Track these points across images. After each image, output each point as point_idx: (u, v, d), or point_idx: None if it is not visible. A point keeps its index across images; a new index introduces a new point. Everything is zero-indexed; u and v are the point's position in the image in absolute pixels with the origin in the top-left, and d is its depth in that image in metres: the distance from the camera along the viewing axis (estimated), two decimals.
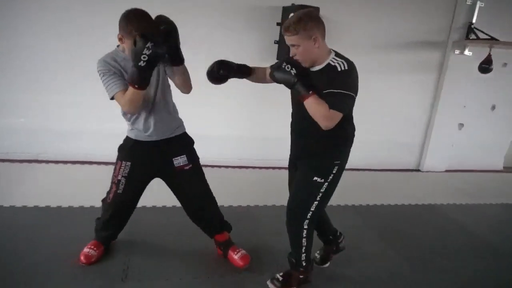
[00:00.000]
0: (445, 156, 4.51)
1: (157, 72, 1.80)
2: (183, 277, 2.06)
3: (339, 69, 1.63)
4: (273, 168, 3.82)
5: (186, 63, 1.82)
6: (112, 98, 1.77)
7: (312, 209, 1.84)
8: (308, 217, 1.85)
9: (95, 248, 2.09)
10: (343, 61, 1.66)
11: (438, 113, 4.29)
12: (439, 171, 4.51)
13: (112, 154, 2.07)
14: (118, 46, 1.80)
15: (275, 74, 1.68)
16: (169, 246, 2.31)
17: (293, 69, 1.62)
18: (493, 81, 4.40)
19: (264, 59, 3.65)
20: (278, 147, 2.86)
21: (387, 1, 3.85)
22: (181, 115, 2.09)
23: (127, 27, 1.64)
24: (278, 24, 3.55)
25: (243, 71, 1.93)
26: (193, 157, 2.03)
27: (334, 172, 1.80)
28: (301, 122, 1.81)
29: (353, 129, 1.87)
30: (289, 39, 1.65)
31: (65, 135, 3.55)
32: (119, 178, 1.96)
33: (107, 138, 3.31)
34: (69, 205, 2.69)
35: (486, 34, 3.88)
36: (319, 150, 1.81)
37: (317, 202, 1.83)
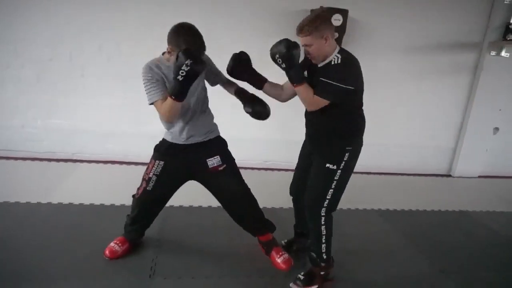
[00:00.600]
0: (478, 161, 4.34)
1: (197, 83, 1.87)
2: (209, 275, 2.09)
3: (332, 63, 1.78)
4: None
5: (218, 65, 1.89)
6: (151, 104, 1.85)
7: (328, 197, 1.90)
8: (325, 205, 1.91)
9: (120, 244, 2.17)
10: (339, 56, 1.78)
11: (472, 116, 4.13)
12: (472, 176, 4.35)
13: (143, 155, 2.14)
14: (163, 53, 1.89)
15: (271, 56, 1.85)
16: (197, 245, 2.36)
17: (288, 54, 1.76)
18: None
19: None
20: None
21: (418, 2, 3.76)
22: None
23: (175, 41, 1.74)
24: None
25: (258, 76, 2.04)
26: (227, 158, 2.06)
27: (345, 159, 1.88)
28: (313, 115, 1.94)
29: (362, 119, 1.98)
30: (303, 40, 1.78)
31: (101, 136, 3.71)
32: (150, 175, 2.02)
33: (141, 140, 3.50)
34: (101, 203, 2.80)
35: None
36: (329, 139, 1.92)
37: (332, 190, 1.89)
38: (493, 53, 3.96)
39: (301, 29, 1.75)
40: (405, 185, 3.84)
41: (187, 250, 2.31)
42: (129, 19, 3.42)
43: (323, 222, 1.93)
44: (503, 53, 3.95)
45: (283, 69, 1.81)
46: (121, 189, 2.66)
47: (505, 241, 2.85)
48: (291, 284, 2.04)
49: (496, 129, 4.32)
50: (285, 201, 2.97)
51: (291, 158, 4.04)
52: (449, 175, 4.36)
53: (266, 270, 2.16)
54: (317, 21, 1.74)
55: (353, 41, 3.65)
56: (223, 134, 2.18)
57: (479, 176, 4.38)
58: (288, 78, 1.85)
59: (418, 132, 4.17)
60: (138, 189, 2.11)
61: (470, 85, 4.11)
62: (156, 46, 2.07)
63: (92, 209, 2.71)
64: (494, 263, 2.50)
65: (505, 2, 3.82)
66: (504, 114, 4.26)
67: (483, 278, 2.31)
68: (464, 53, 4.02)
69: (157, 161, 2.01)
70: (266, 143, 3.92)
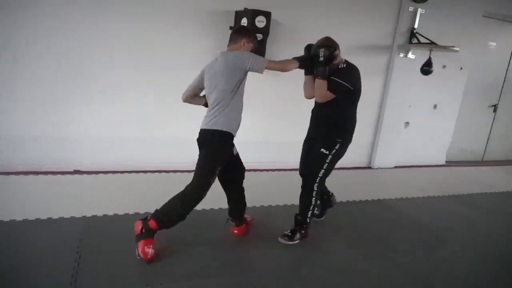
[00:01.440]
0: (393, 153, 4.77)
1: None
2: (134, 284, 2.02)
3: (340, 67, 2.44)
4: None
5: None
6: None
7: (320, 175, 2.49)
8: (317, 181, 2.49)
9: (151, 246, 2.19)
10: (344, 64, 2.47)
11: (387, 112, 4.53)
12: (389, 167, 4.77)
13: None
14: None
15: (312, 51, 2.39)
16: (121, 253, 2.25)
17: (326, 56, 2.30)
18: (435, 82, 4.72)
19: None
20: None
21: (337, 8, 4.01)
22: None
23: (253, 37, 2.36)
24: (231, 28, 3.57)
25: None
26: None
27: (336, 147, 2.47)
28: (320, 111, 2.55)
29: (355, 121, 2.59)
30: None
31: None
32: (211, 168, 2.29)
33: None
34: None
35: (426, 38, 4.16)
36: (327, 132, 2.51)
37: (323, 170, 2.48)
38: (401, 55, 4.38)
39: (322, 47, 2.33)
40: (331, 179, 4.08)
41: (111, 259, 2.20)
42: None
43: (314, 195, 2.50)
44: (409, 55, 4.39)
45: (319, 62, 2.32)
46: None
47: (411, 223, 3.18)
48: (279, 238, 2.55)
49: (407, 123, 4.79)
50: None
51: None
52: (369, 167, 4.73)
53: (194, 273, 2.14)
54: (334, 43, 2.41)
55: (277, 43, 3.78)
56: None
57: (395, 167, 4.82)
58: (316, 71, 2.36)
59: None
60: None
61: (383, 84, 4.50)
62: None
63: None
64: (402, 245, 2.78)
65: (410, 9, 4.25)
66: (413, 109, 4.73)
67: (394, 258, 2.56)
68: (377, 55, 4.39)
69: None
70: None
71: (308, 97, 2.60)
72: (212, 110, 2.26)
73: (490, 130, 5.67)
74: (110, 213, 2.71)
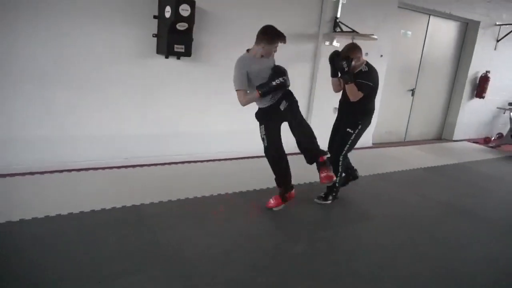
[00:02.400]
0: (324, 139, 4.97)
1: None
2: None
3: (363, 71, 3.09)
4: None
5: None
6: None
7: (345, 149, 3.20)
8: (343, 153, 3.21)
9: (274, 200, 3.01)
10: (366, 66, 3.10)
11: (316, 99, 4.72)
12: None
13: None
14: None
15: (335, 62, 3.03)
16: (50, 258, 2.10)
17: (348, 66, 2.91)
18: None
19: (143, 53, 3.55)
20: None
21: None
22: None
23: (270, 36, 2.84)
24: (155, 17, 3.46)
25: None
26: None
27: (358, 128, 3.18)
28: (346, 101, 3.22)
29: (373, 108, 3.28)
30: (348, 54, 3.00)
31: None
32: (262, 136, 2.91)
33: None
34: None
35: (348, 27, 4.38)
36: (352, 115, 3.21)
37: (348, 145, 3.20)
38: (327, 43, 4.57)
39: (347, 52, 3.01)
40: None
41: (37, 263, 2.05)
42: None
43: (340, 164, 3.20)
44: (334, 43, 4.60)
45: (343, 70, 2.93)
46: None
47: (341, 200, 3.38)
48: (315, 199, 3.25)
49: (336, 109, 5.01)
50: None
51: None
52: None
53: (139, 270, 2.08)
54: (355, 50, 3.04)
55: (204, 31, 3.75)
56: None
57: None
58: (343, 78, 3.02)
59: None
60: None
61: (312, 71, 4.67)
62: None
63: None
64: (328, 223, 2.94)
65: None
66: (339, 95, 4.97)
67: (319, 235, 2.71)
68: (305, 43, 4.54)
69: (260, 126, 2.93)
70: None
71: (336, 92, 3.44)
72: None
73: (410, 113, 6.17)
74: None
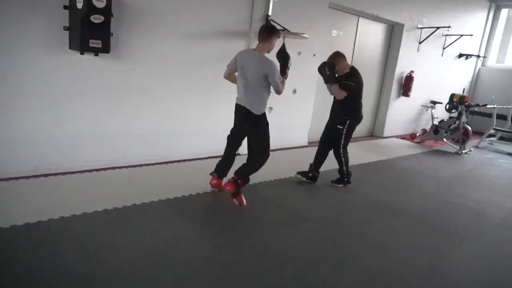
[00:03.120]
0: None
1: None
2: None
3: (346, 73, 3.65)
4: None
5: None
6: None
7: (341, 143, 3.77)
8: (341, 147, 3.78)
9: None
10: (350, 70, 3.66)
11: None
12: None
13: None
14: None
15: (320, 70, 3.63)
16: None
17: (329, 71, 3.57)
18: (292, 68, 4.97)
19: (54, 48, 3.16)
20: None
21: None
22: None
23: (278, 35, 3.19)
24: (65, 7, 3.09)
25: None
26: None
27: (347, 123, 3.71)
28: (335, 102, 3.79)
29: (360, 104, 3.75)
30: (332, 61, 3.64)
31: None
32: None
33: None
34: None
35: (280, 25, 4.33)
36: (340, 113, 3.74)
37: (343, 139, 3.76)
38: None
39: (333, 59, 3.64)
40: (196, 168, 3.99)
41: None
42: None
43: (342, 154, 3.79)
44: None
45: (326, 75, 3.58)
46: None
47: (275, 204, 3.30)
48: (330, 183, 3.91)
49: (270, 108, 4.96)
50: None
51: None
52: (238, 154, 4.76)
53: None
54: (337, 57, 3.65)
55: (125, 26, 3.46)
56: None
57: None
58: (325, 80, 3.65)
59: (210, 115, 4.37)
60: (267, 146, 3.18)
61: None
62: None
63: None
64: (265, 225, 2.85)
65: None
66: (274, 94, 4.91)
67: (254, 239, 2.60)
68: (237, 41, 4.39)
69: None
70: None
71: (332, 95, 3.81)
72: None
73: None
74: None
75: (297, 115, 5.37)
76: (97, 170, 3.58)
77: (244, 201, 3.11)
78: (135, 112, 3.79)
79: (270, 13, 4.43)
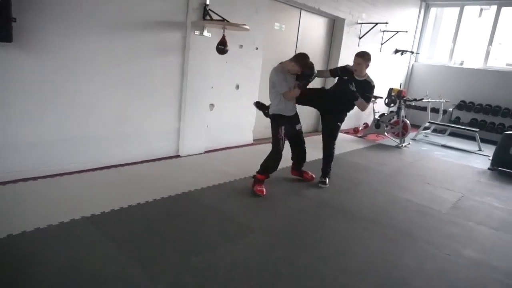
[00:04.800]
0: (202, 138, 4.55)
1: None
2: None
3: (372, 84, 3.78)
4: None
5: None
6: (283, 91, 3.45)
7: (336, 137, 3.96)
8: (335, 141, 3.96)
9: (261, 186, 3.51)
10: (371, 79, 3.79)
11: (189, 95, 4.21)
12: (199, 153, 4.52)
13: None
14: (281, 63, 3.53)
15: (345, 88, 3.70)
16: None
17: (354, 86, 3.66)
18: (234, 62, 4.69)
19: None
20: None
21: None
22: None
23: (300, 62, 3.39)
24: None
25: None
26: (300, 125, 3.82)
27: (343, 121, 3.92)
28: (335, 102, 3.84)
29: (353, 105, 3.82)
30: (361, 62, 3.69)
31: None
32: (282, 135, 3.53)
33: None
34: None
35: (218, 15, 3.98)
36: (342, 111, 3.89)
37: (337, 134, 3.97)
38: (197, 32, 4.08)
39: (362, 56, 3.69)
40: (130, 176, 3.52)
41: None
42: None
43: (334, 151, 3.96)
44: (205, 33, 4.14)
45: (353, 92, 3.64)
46: None
47: (217, 214, 2.97)
48: (319, 184, 3.89)
49: (212, 105, 4.61)
50: None
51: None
52: (178, 156, 4.37)
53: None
54: (368, 56, 3.72)
55: (33, 12, 2.90)
56: None
57: (205, 152, 4.61)
58: (356, 97, 3.68)
59: (139, 117, 3.89)
60: (278, 143, 3.50)
61: (181, 64, 4.13)
62: None
63: None
64: (206, 242, 2.52)
65: None
66: (216, 91, 4.58)
67: (191, 263, 2.25)
68: (172, 32, 3.97)
69: (282, 127, 3.55)
70: None
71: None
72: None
73: None
74: None
75: (241, 112, 5.07)
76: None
77: (263, 191, 3.42)
78: (44, 115, 3.22)
79: (208, 2, 4.05)
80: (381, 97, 7.16)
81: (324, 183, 3.89)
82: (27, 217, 2.52)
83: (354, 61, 3.71)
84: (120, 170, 3.64)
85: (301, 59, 3.39)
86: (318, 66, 6.75)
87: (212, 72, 4.43)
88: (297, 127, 3.72)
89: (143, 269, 2.13)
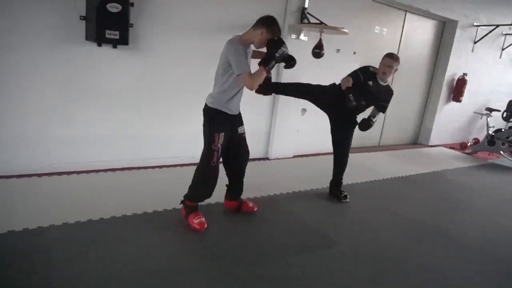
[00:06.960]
0: (291, 142, 4.51)
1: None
2: None
3: (392, 93, 3.30)
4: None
5: None
6: (238, 75, 2.28)
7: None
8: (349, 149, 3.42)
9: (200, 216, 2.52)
10: (391, 87, 3.31)
11: (281, 98, 4.21)
12: (287, 157, 4.50)
13: None
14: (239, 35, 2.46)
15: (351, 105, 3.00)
16: None
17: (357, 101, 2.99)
18: (330, 67, 4.55)
19: (70, 39, 2.96)
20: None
21: None
22: None
23: (273, 28, 2.38)
24: None
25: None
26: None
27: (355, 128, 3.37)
28: (348, 109, 3.06)
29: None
30: (393, 64, 3.11)
31: None
32: (219, 144, 2.43)
33: None
34: None
35: (317, 18, 3.90)
36: (355, 122, 3.36)
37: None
38: (293, 36, 4.07)
39: (397, 58, 3.16)
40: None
41: None
42: None
43: (348, 159, 3.42)
44: (302, 37, 4.11)
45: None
46: None
47: (300, 223, 2.88)
48: (342, 200, 3.35)
49: (304, 110, 4.55)
50: None
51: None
52: (267, 158, 4.40)
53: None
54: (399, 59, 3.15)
55: (143, 15, 3.20)
56: None
57: (294, 156, 4.57)
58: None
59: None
60: (210, 159, 2.43)
61: (277, 68, 4.16)
62: None
63: None
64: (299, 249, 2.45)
65: None
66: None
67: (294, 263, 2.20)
68: None
69: (220, 134, 2.42)
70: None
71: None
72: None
73: (384, 116, 5.77)
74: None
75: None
76: (110, 170, 3.35)
77: (203, 224, 2.49)
78: (157, 110, 3.53)
79: (306, 5, 4.01)
80: (499, 110, 6.26)
81: (345, 197, 3.36)
82: (104, 206, 2.79)
83: (384, 63, 3.07)
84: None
85: (273, 22, 2.39)
86: (422, 75, 6.20)
87: (306, 76, 4.34)
88: (240, 130, 2.60)
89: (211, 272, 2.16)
